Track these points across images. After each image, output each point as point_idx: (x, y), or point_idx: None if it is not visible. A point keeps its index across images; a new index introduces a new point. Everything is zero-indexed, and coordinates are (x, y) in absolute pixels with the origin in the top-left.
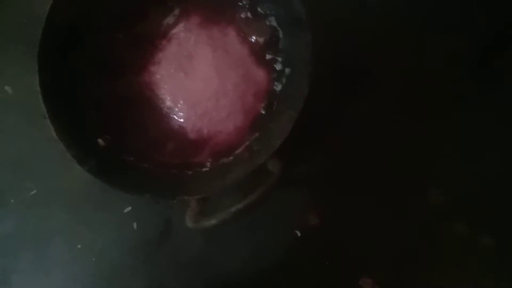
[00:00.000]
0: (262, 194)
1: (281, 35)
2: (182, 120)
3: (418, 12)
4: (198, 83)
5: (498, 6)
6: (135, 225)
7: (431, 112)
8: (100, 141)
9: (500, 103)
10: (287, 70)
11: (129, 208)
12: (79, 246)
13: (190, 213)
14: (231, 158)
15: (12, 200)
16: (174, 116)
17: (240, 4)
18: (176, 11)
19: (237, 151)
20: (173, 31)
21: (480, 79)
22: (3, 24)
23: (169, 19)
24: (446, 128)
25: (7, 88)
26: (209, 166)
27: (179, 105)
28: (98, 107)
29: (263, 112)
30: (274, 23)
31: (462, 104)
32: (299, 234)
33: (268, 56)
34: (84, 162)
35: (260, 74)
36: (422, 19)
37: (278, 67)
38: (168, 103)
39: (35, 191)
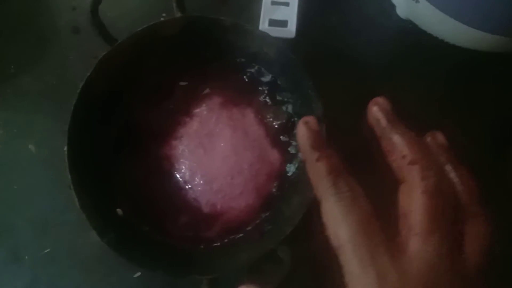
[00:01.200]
0: (276, 284)
1: (296, 121)
2: (197, 194)
3: (428, 100)
4: (216, 160)
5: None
6: None
7: None
8: (119, 210)
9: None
10: (300, 155)
11: (139, 273)
12: None
13: None
14: (241, 235)
15: (27, 257)
16: (190, 190)
17: (260, 89)
18: (200, 92)
19: (248, 228)
20: (196, 110)
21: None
22: (36, 83)
23: (194, 99)
24: None
25: (31, 146)
26: (219, 242)
27: (196, 180)
28: (119, 177)
29: (274, 191)
30: (290, 110)
31: None
32: None
33: (283, 139)
34: (104, 235)
35: (274, 155)
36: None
37: (292, 150)
38: (186, 177)
39: (49, 250)
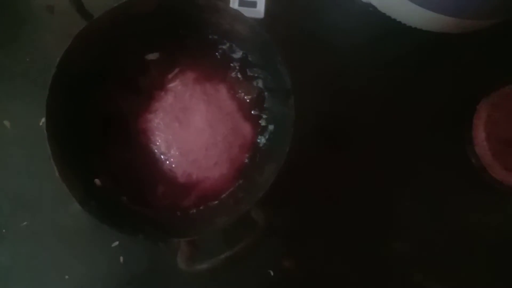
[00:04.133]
0: (250, 243)
1: (266, 96)
2: (173, 165)
3: (393, 80)
4: (191, 133)
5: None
6: (121, 259)
7: (399, 168)
8: (97, 181)
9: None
10: (271, 127)
11: (117, 243)
12: (67, 277)
13: (182, 256)
14: (216, 202)
15: (4, 230)
16: (167, 161)
17: (232, 65)
18: (174, 68)
19: (222, 196)
20: (171, 84)
21: (442, 144)
22: (10, 61)
23: (168, 74)
24: (414, 185)
25: (5, 122)
26: (196, 209)
27: (172, 152)
28: (98, 150)
29: (247, 162)
30: (261, 85)
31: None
32: (272, 273)
33: (254, 112)
34: (85, 203)
35: (246, 128)
36: (395, 85)
37: (262, 123)
38: (162, 149)
39: (27, 223)
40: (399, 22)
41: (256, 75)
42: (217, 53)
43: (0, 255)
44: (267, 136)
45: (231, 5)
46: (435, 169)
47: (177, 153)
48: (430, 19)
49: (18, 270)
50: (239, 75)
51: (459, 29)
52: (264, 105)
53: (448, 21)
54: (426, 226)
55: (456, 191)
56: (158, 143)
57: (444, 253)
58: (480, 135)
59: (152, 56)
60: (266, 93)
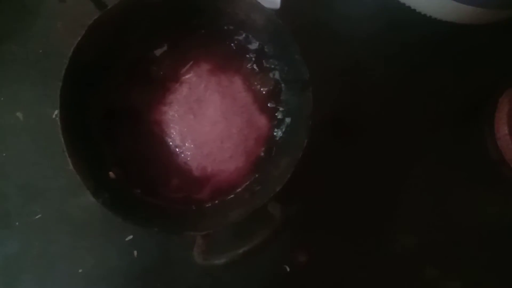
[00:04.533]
0: (268, 237)
1: (283, 88)
2: (188, 158)
3: (408, 71)
4: (205, 126)
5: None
6: (135, 253)
7: (413, 160)
8: (111, 173)
9: (468, 160)
10: (287, 120)
11: (131, 236)
12: (80, 271)
13: (198, 250)
14: (232, 196)
15: (17, 223)
16: (181, 154)
17: (248, 56)
18: (189, 59)
19: (238, 190)
20: (185, 76)
21: (456, 136)
22: (22, 52)
23: (183, 66)
24: (427, 178)
25: (18, 114)
26: (211, 202)
27: (186, 144)
28: (111, 141)
29: (263, 155)
30: (277, 77)
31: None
32: (288, 269)
33: (270, 105)
34: (99, 195)
35: (262, 121)
36: (411, 76)
37: (279, 115)
38: (177, 141)
39: (40, 215)
40: (416, 11)
41: (272, 66)
42: (232, 44)
43: (13, 247)
44: (283, 129)
45: None
46: (449, 162)
47: (191, 145)
48: (449, 8)
49: (30, 262)
50: (255, 67)
51: (477, 19)
52: (281, 98)
53: (467, 11)
54: (439, 220)
55: (470, 184)
56: (172, 136)
57: (457, 248)
58: (502, 129)
59: (165, 48)
60: (282, 85)
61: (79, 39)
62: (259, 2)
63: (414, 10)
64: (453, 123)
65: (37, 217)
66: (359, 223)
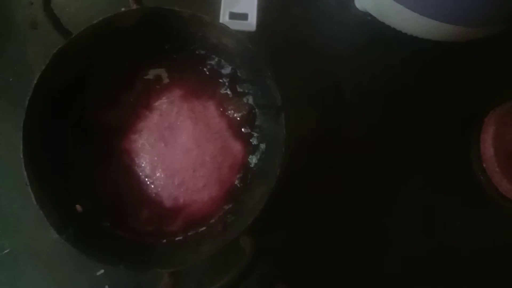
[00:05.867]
0: (237, 275)
1: (257, 113)
2: (159, 188)
3: (389, 92)
4: (177, 154)
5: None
6: (106, 287)
7: (397, 184)
8: (78, 207)
9: (456, 183)
10: (262, 146)
11: (102, 271)
12: None
13: None
14: (204, 228)
15: None
16: (151, 185)
17: (221, 81)
18: (160, 84)
19: (211, 221)
20: (156, 103)
21: (443, 159)
22: None
23: (154, 92)
24: (412, 202)
25: None
26: (182, 235)
27: (157, 174)
28: (79, 172)
29: (237, 183)
30: (251, 102)
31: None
32: None
33: (244, 130)
34: (62, 231)
35: (236, 147)
36: (392, 97)
37: (254, 141)
38: (147, 171)
39: (8, 250)
40: (398, 31)
41: (246, 91)
42: (205, 69)
43: None
44: (258, 156)
45: (221, 18)
46: (436, 186)
47: (162, 175)
48: (431, 28)
49: None
50: (229, 91)
51: (461, 37)
52: (255, 123)
53: (450, 29)
54: (427, 245)
55: (458, 209)
56: (142, 165)
57: (446, 272)
58: (488, 151)
59: (136, 74)
60: (257, 110)
61: (43, 68)
62: (228, 27)
63: (397, 30)
64: (439, 145)
65: (5, 252)
66: (343, 253)
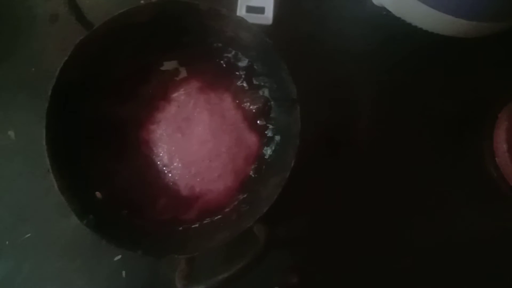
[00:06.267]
0: (250, 262)
1: (273, 105)
2: (176, 178)
3: (400, 86)
4: (194, 144)
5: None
6: (123, 273)
7: (408, 177)
8: (98, 194)
9: (467, 176)
10: (277, 138)
11: (119, 257)
12: None
13: (179, 275)
14: (219, 216)
15: (7, 243)
16: (169, 174)
17: (237, 73)
18: (178, 77)
19: (226, 210)
20: (174, 94)
21: (454, 152)
22: (14, 71)
23: (171, 84)
24: (423, 196)
25: (10, 133)
26: (198, 223)
27: (174, 164)
28: (99, 161)
29: (252, 174)
30: (267, 94)
31: (433, 172)
32: None
33: (260, 122)
34: (83, 217)
35: (251, 139)
36: (404, 92)
37: (268, 133)
38: (165, 160)
39: (29, 235)
40: (411, 25)
41: (262, 83)
42: (222, 62)
43: (2, 267)
44: (273, 147)
45: (238, 11)
46: (447, 178)
47: (179, 165)
48: (448, 23)
49: (19, 283)
50: (245, 84)
51: (476, 33)
52: (271, 115)
53: (467, 25)
54: (438, 237)
55: (469, 201)
56: (160, 155)
57: (456, 266)
58: (501, 146)
59: (154, 66)
60: (272, 103)
61: (65, 59)
62: (245, 20)
63: (409, 24)
64: (451, 138)
65: (26, 236)
66: (353, 243)
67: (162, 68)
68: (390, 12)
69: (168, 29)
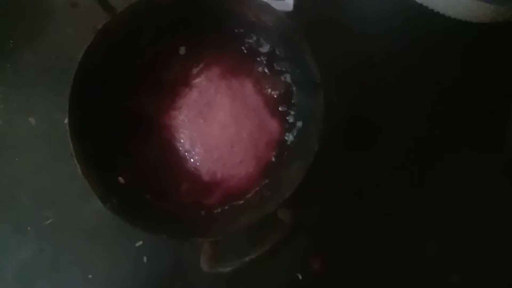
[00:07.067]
0: (276, 245)
1: (294, 91)
2: (198, 163)
3: (422, 70)
4: (215, 130)
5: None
6: (145, 259)
7: (432, 163)
8: (120, 179)
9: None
10: (299, 123)
11: (141, 242)
12: (90, 276)
13: (204, 257)
14: (241, 202)
15: (29, 228)
16: (191, 159)
17: (259, 59)
18: (199, 63)
19: (248, 196)
20: (195, 80)
21: (482, 131)
22: (35, 57)
23: (193, 69)
24: (446, 181)
25: (31, 119)
26: (220, 208)
27: (196, 149)
28: (121, 146)
29: (274, 160)
30: (288, 80)
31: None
32: (300, 277)
33: (281, 109)
34: (107, 200)
35: (273, 125)
36: (426, 75)
37: (290, 119)
38: (187, 146)
39: (52, 220)
40: (434, 10)
41: (283, 69)
42: (243, 47)
43: (25, 251)
44: (295, 133)
45: None
46: (470, 164)
47: (201, 150)
48: (464, 6)
49: (42, 267)
50: (266, 70)
51: (495, 17)
52: (292, 101)
53: (484, 8)
54: (463, 224)
55: (494, 189)
56: (182, 140)
57: (483, 253)
58: None
59: (175, 52)
60: (294, 88)
61: (88, 44)
62: (268, 3)
63: (432, 9)
64: (474, 122)
65: (48, 222)
66: (377, 228)
67: (183, 54)
68: None
69: (190, 14)
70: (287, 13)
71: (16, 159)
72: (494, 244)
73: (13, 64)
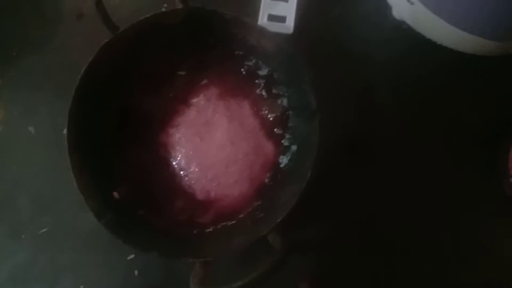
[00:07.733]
0: (265, 271)
1: (291, 115)
2: (192, 181)
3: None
4: (211, 149)
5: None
6: (136, 272)
7: (427, 181)
8: (115, 194)
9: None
10: (294, 147)
11: (132, 255)
12: (81, 287)
13: (194, 278)
14: (234, 222)
15: (24, 235)
16: (186, 177)
17: (257, 82)
18: (198, 83)
19: (240, 216)
20: (194, 99)
21: (473, 166)
22: (39, 65)
23: (192, 88)
24: (442, 199)
25: (30, 128)
26: (212, 227)
27: (191, 167)
28: (117, 161)
29: (267, 182)
30: (285, 104)
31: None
32: None
33: (277, 131)
34: (101, 216)
35: (268, 147)
36: (422, 111)
37: (285, 142)
38: (182, 164)
39: (47, 228)
40: (434, 42)
41: (281, 93)
42: (242, 69)
43: (19, 258)
44: (289, 156)
45: (260, 19)
46: (464, 193)
47: (196, 169)
48: (467, 41)
49: (36, 275)
50: (264, 93)
51: (497, 52)
52: (288, 124)
53: (486, 44)
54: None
55: (486, 220)
56: (178, 158)
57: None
58: None
59: (176, 70)
60: (290, 112)
61: (90, 60)
62: (268, 30)
63: (428, 39)
64: (470, 153)
65: (44, 229)
66: (371, 253)
67: (184, 73)
68: (410, 26)
69: (192, 35)
70: (288, 36)
71: (15, 168)
72: (484, 272)
73: (16, 71)
